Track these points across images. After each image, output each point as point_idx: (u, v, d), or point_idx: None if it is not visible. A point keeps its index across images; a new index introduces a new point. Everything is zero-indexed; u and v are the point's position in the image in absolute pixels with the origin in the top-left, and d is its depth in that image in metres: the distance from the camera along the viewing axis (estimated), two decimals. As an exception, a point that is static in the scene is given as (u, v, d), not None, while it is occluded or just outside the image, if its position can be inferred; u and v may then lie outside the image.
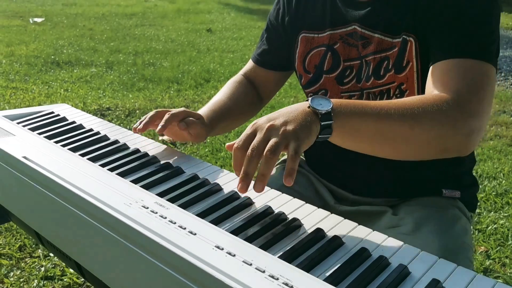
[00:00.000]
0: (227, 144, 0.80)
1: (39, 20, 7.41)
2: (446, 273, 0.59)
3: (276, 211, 0.73)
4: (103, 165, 0.84)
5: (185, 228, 0.62)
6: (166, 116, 0.96)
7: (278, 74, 1.24)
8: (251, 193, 0.73)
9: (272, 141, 0.69)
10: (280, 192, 0.79)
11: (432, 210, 1.02)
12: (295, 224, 0.69)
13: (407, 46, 0.96)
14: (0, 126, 0.97)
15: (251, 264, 0.56)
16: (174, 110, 0.99)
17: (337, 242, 0.65)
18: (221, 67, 4.93)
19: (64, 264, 1.82)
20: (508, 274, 1.92)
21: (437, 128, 0.80)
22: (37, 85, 4.13)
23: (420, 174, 1.07)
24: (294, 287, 0.52)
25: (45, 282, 1.73)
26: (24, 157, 0.81)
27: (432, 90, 0.86)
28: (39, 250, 1.89)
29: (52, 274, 1.76)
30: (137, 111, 3.53)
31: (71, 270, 1.78)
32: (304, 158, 1.23)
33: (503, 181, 2.71)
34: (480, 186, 2.63)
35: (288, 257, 0.61)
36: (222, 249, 0.58)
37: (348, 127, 0.76)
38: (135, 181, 0.79)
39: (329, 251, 0.63)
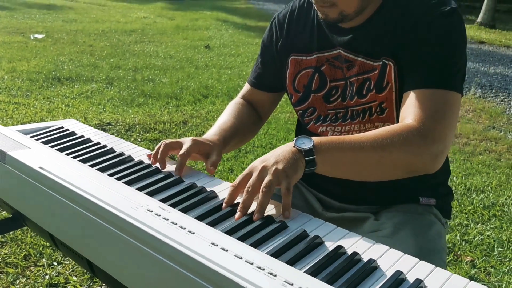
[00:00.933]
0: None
1: (39, 36, 7.54)
2: (425, 273, 0.67)
3: (265, 215, 0.83)
4: (111, 175, 0.94)
5: (185, 228, 0.72)
6: (179, 158, 1.01)
7: (274, 95, 1.34)
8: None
9: (266, 180, 0.85)
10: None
11: (410, 216, 1.12)
12: (282, 225, 0.79)
13: (387, 69, 1.07)
14: (16, 140, 1.06)
15: (241, 258, 0.65)
16: (184, 148, 1.03)
17: (317, 241, 0.74)
18: (219, 83, 5.05)
19: (67, 272, 1.90)
20: (493, 282, 2.00)
21: (403, 155, 0.94)
22: (38, 101, 4.22)
23: (400, 185, 1.16)
24: (278, 276, 0.61)
25: (49, 289, 1.81)
26: (40, 167, 0.91)
27: (403, 117, 1.00)
28: (44, 259, 1.97)
29: (56, 282, 1.84)
30: (137, 126, 3.63)
31: (75, 278, 1.86)
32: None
33: (491, 194, 2.81)
34: (468, 199, 2.72)
35: (274, 253, 0.70)
36: (217, 245, 0.68)
37: (329, 159, 0.92)
38: (140, 189, 0.88)
39: (309, 249, 0.72)
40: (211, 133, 1.18)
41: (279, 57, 1.26)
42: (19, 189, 0.96)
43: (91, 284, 1.85)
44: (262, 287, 0.58)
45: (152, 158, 1.04)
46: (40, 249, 2.04)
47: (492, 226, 2.44)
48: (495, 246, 2.25)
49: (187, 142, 1.05)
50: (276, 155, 0.90)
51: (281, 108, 4.20)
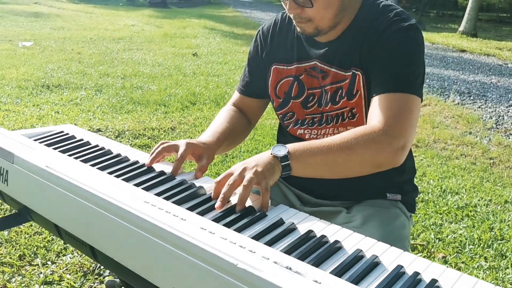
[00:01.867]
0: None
1: (28, 44, 7.59)
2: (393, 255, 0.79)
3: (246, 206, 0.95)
4: (110, 173, 1.05)
5: (177, 216, 0.84)
6: (174, 164, 1.13)
7: (261, 101, 1.46)
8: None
9: (247, 177, 0.97)
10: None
11: (378, 209, 1.26)
12: (261, 215, 0.91)
13: (356, 79, 1.21)
14: (22, 143, 1.17)
15: (226, 239, 0.77)
16: (180, 150, 1.15)
17: (291, 227, 0.86)
18: (207, 91, 5.17)
19: (61, 271, 1.99)
20: (464, 277, 2.14)
21: (367, 152, 1.07)
22: (28, 108, 4.28)
23: (370, 182, 1.30)
24: (256, 252, 0.73)
25: (45, 286, 1.90)
26: (47, 166, 1.02)
27: (369, 119, 1.14)
28: (38, 259, 2.07)
29: (51, 280, 1.94)
30: (127, 132, 3.72)
31: (68, 276, 1.96)
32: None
33: (465, 196, 2.96)
34: (444, 200, 2.87)
35: (254, 237, 0.82)
36: (205, 229, 0.80)
37: (302, 163, 1.05)
38: (137, 185, 1.00)
39: (285, 233, 0.84)
40: (206, 136, 1.30)
41: (264, 66, 1.38)
42: (27, 186, 1.06)
43: (84, 281, 1.95)
44: (244, 260, 0.70)
45: (149, 158, 1.15)
46: (35, 249, 2.13)
47: (464, 225, 2.59)
48: (467, 243, 2.39)
49: (182, 145, 1.17)
50: (256, 159, 1.03)
51: (267, 115, 4.33)
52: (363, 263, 0.75)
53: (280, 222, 0.88)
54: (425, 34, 12.66)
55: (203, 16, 14.49)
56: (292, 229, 0.86)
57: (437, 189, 3.03)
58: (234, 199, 0.97)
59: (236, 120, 1.41)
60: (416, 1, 19.61)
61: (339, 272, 0.73)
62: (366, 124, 1.23)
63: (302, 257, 0.77)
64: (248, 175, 0.98)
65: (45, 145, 1.21)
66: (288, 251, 0.78)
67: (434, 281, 0.71)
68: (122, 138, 3.63)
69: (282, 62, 1.34)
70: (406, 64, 1.14)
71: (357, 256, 0.77)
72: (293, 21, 1.24)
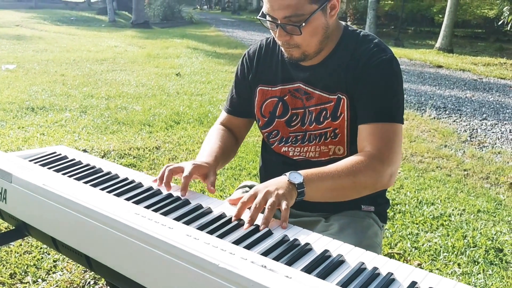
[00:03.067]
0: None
1: (11, 67, 7.63)
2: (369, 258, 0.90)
3: (228, 216, 1.05)
4: (102, 189, 1.15)
5: (165, 225, 0.93)
6: (183, 180, 1.22)
7: (247, 120, 1.57)
8: (215, 207, 1.05)
9: (271, 200, 1.06)
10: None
11: (353, 219, 1.37)
12: (242, 222, 1.01)
13: (341, 102, 1.33)
14: (18, 163, 1.26)
15: (209, 244, 0.87)
16: (187, 169, 1.23)
17: (267, 232, 0.97)
18: (190, 110, 5.27)
19: (52, 287, 2.06)
20: (438, 283, 2.25)
21: (369, 178, 1.22)
22: (13, 130, 4.32)
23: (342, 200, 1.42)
24: (236, 254, 0.84)
25: (36, 302, 1.96)
26: (44, 184, 1.11)
27: (363, 146, 1.28)
28: (28, 277, 2.12)
29: (41, 296, 2.00)
30: (112, 152, 3.80)
31: (59, 292, 2.02)
32: (258, 182, 1.56)
33: (440, 206, 3.09)
34: (420, 211, 3.00)
35: (235, 241, 0.92)
36: (190, 236, 0.90)
37: (315, 188, 1.16)
38: (127, 199, 1.10)
39: (261, 239, 0.95)
40: (205, 155, 1.38)
41: (250, 87, 1.50)
42: (25, 203, 1.15)
43: (74, 297, 2.01)
44: (224, 261, 0.80)
45: (158, 181, 1.23)
46: (25, 267, 2.19)
47: (439, 234, 2.71)
48: (441, 251, 2.51)
49: (188, 166, 1.25)
50: (276, 183, 1.12)
51: (250, 133, 4.44)
52: (329, 262, 0.86)
53: (268, 233, 0.99)
54: (403, 51, 12.96)
55: (185, 36, 14.67)
56: (268, 234, 0.97)
57: (414, 200, 3.16)
58: (231, 210, 1.07)
59: (226, 138, 1.51)
60: (394, 18, 20.11)
61: (309, 269, 0.84)
62: (347, 144, 1.36)
63: (276, 258, 0.87)
64: (272, 199, 1.06)
65: (40, 165, 1.30)
66: (265, 253, 0.89)
67: (390, 274, 0.82)
68: (107, 158, 3.70)
69: (267, 83, 1.45)
70: (390, 95, 1.29)
71: (325, 256, 0.88)
72: (281, 47, 1.36)
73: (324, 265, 0.85)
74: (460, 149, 4.40)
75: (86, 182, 1.19)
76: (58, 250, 1.13)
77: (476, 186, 3.51)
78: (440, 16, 16.35)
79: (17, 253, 2.28)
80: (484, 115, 5.79)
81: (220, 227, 0.99)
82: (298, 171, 1.15)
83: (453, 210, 3.05)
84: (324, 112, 1.36)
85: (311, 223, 1.40)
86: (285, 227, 1.04)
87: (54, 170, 1.26)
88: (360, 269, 0.84)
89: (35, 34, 13.44)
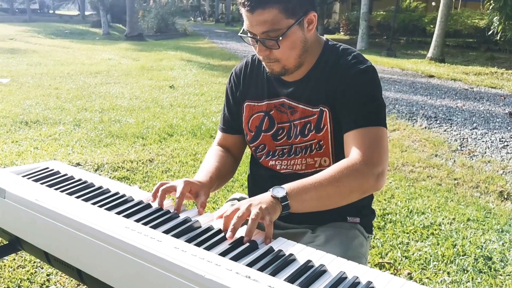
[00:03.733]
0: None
1: (5, 81, 7.65)
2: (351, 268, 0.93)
3: (215, 229, 1.09)
4: (94, 203, 1.18)
5: (154, 238, 0.97)
6: (176, 201, 1.24)
7: (242, 136, 1.58)
8: (199, 218, 1.08)
9: (254, 212, 1.08)
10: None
11: (339, 231, 1.41)
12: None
13: (323, 114, 1.37)
14: (12, 179, 1.29)
15: (196, 256, 0.90)
16: (179, 188, 1.26)
17: (253, 244, 1.00)
18: (184, 122, 5.31)
19: (45, 301, 2.07)
20: (428, 291, 2.29)
21: (353, 181, 1.23)
22: (7, 144, 4.32)
23: (333, 208, 1.45)
24: (221, 265, 0.87)
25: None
26: (36, 200, 1.14)
27: (348, 153, 1.30)
28: (22, 291, 2.14)
29: (35, 310, 2.01)
30: (106, 165, 3.82)
31: (52, 306, 2.04)
32: (247, 195, 1.59)
33: (430, 215, 3.13)
34: (410, 220, 3.04)
35: (222, 253, 0.96)
36: (178, 248, 0.93)
37: (299, 201, 1.18)
38: (118, 213, 1.13)
39: (247, 251, 0.98)
40: (200, 176, 1.42)
41: (238, 103, 1.54)
42: (18, 218, 1.18)
43: (68, 310, 2.03)
44: (210, 272, 0.84)
45: (152, 199, 1.25)
46: (19, 282, 2.20)
47: (429, 243, 2.75)
48: (431, 260, 2.55)
49: (180, 184, 1.28)
50: (259, 199, 1.14)
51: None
52: (312, 271, 0.89)
53: (255, 245, 1.02)
54: (395, 61, 13.06)
55: (179, 48, 14.75)
56: (254, 245, 1.00)
57: (404, 210, 3.20)
58: (218, 223, 1.10)
59: (224, 159, 1.54)
60: (387, 28, 20.31)
61: (292, 279, 0.87)
62: (332, 156, 1.40)
63: (261, 268, 0.90)
64: (255, 210, 1.09)
65: (33, 180, 1.33)
66: (250, 264, 0.92)
67: (369, 282, 0.86)
68: (101, 171, 3.72)
69: (254, 99, 1.50)
70: (370, 101, 1.32)
71: (307, 266, 0.91)
72: (263, 62, 1.40)
73: (307, 275, 0.88)
74: (450, 159, 4.46)
75: (78, 197, 1.22)
76: (51, 264, 1.15)
77: (466, 195, 3.56)
78: (432, 26, 16.54)
79: (11, 267, 2.30)
80: (475, 124, 5.86)
81: (207, 239, 1.03)
82: (282, 186, 1.18)
83: (443, 219, 3.09)
84: (308, 125, 1.40)
85: (298, 235, 1.43)
86: (268, 243, 1.06)
87: (46, 185, 1.29)
88: (341, 278, 0.88)
89: (29, 47, 13.48)
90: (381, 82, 1.39)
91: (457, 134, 5.37)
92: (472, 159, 4.49)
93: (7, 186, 1.22)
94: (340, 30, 25.98)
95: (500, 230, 2.96)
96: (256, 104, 1.49)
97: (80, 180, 1.37)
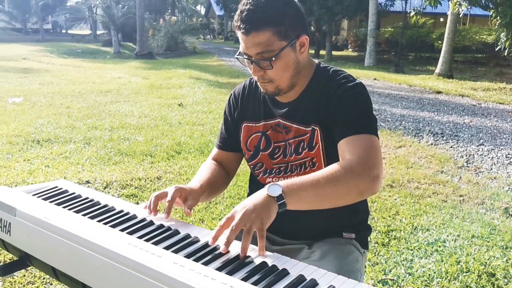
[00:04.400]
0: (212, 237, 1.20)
1: (17, 100, 7.82)
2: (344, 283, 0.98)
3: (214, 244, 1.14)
4: (99, 221, 1.24)
5: (154, 254, 1.02)
6: (166, 204, 1.32)
7: (237, 154, 1.67)
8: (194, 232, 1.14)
9: (247, 226, 1.10)
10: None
11: (334, 246, 1.45)
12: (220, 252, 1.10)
13: (315, 133, 1.43)
14: (22, 198, 1.36)
15: (193, 270, 0.95)
16: (169, 193, 1.34)
17: (248, 259, 1.05)
18: (191, 140, 5.39)
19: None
20: (431, 307, 2.30)
21: (351, 182, 1.25)
22: (19, 163, 4.42)
23: (328, 224, 1.50)
24: (217, 279, 0.92)
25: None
26: (45, 218, 1.20)
27: (343, 156, 1.33)
28: (31, 307, 2.20)
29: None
30: (114, 183, 3.90)
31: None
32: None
33: (435, 232, 3.15)
34: (415, 237, 3.06)
35: (219, 267, 1.01)
36: (177, 263, 0.98)
37: (296, 198, 1.21)
38: (122, 230, 1.19)
39: (242, 265, 1.03)
40: (191, 183, 1.49)
41: (236, 123, 1.61)
42: (28, 235, 1.24)
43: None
44: (205, 286, 0.89)
45: (147, 208, 1.33)
46: (28, 297, 2.26)
47: (433, 260, 2.77)
48: (435, 277, 2.57)
49: (170, 190, 1.36)
50: (253, 201, 1.16)
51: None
52: (303, 285, 0.94)
53: (250, 261, 1.07)
54: (403, 77, 13.10)
55: (188, 66, 14.94)
56: (249, 261, 1.05)
57: (409, 226, 3.23)
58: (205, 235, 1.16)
59: (217, 172, 1.61)
60: (395, 44, 20.42)
61: (283, 293, 0.92)
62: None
63: (255, 283, 0.95)
64: (248, 224, 1.11)
65: (42, 199, 1.39)
66: (245, 278, 0.97)
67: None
68: (110, 189, 3.79)
69: (251, 120, 1.57)
70: (361, 111, 1.38)
71: (299, 280, 0.96)
72: (258, 83, 1.47)
73: (298, 289, 0.93)
74: (456, 175, 4.47)
75: (84, 215, 1.28)
76: (58, 279, 1.21)
77: (471, 212, 3.57)
78: (440, 42, 16.60)
79: (21, 283, 2.36)
80: (481, 141, 5.87)
81: (205, 254, 1.08)
82: (278, 183, 1.21)
83: (447, 235, 3.10)
84: (302, 143, 1.46)
85: (295, 251, 1.47)
86: (263, 254, 1.10)
87: (55, 204, 1.35)
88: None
89: (42, 67, 13.75)
90: (388, 98, 1.46)
91: (463, 151, 5.39)
92: (478, 176, 4.50)
93: (17, 204, 1.29)
94: (348, 47, 26.14)
95: (505, 246, 2.97)
96: (253, 124, 1.56)
97: (87, 198, 1.43)
